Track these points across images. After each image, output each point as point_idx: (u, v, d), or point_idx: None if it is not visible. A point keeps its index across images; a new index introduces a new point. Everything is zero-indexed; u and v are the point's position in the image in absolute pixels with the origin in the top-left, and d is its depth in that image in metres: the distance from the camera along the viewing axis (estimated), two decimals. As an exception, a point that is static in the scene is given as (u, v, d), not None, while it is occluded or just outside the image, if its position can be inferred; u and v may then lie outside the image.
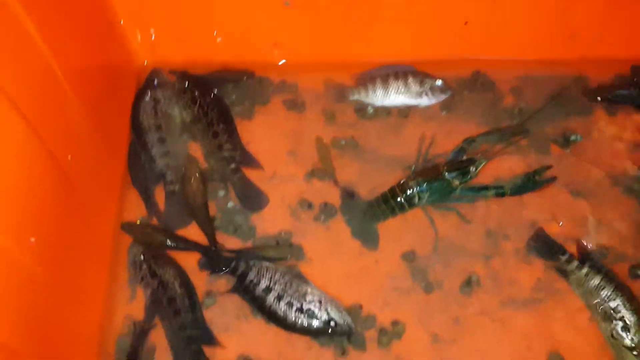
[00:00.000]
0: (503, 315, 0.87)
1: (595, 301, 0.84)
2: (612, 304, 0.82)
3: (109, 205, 0.93)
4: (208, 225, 0.91)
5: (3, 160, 0.63)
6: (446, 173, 0.93)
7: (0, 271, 0.62)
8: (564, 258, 0.88)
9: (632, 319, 0.81)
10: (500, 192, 0.93)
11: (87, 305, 0.84)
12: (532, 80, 1.06)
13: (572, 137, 1.01)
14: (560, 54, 1.06)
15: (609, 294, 0.83)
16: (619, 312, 0.82)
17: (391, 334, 0.85)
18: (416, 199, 0.92)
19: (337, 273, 0.90)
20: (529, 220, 0.94)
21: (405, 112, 1.04)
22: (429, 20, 1.02)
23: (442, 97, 1.05)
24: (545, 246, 0.90)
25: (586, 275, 0.86)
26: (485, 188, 0.94)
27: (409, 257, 0.91)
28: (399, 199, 0.92)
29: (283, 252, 0.91)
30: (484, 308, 0.88)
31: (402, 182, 0.93)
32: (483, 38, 1.05)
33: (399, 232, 0.93)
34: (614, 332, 0.82)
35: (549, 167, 0.95)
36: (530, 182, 0.94)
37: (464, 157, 0.96)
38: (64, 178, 0.77)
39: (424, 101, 1.04)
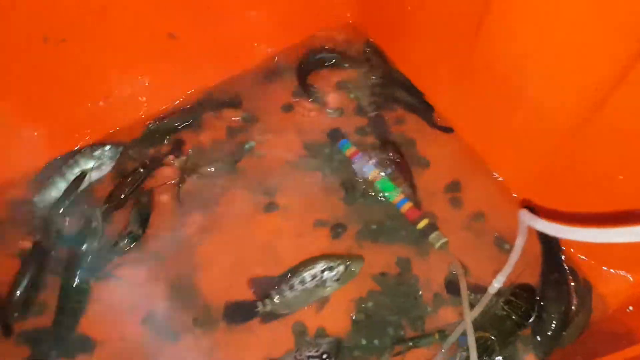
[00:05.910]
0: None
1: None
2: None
3: None
4: None
5: None
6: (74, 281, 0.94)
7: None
8: (259, 307, 0.91)
9: (339, 268, 0.90)
10: (133, 236, 0.98)
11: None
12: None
13: (247, 146, 1.10)
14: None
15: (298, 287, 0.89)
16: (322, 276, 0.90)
17: None
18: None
19: None
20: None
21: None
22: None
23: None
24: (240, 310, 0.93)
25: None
26: (116, 243, 0.98)
27: None
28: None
29: None
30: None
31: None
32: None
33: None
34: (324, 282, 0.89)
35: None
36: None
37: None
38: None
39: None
